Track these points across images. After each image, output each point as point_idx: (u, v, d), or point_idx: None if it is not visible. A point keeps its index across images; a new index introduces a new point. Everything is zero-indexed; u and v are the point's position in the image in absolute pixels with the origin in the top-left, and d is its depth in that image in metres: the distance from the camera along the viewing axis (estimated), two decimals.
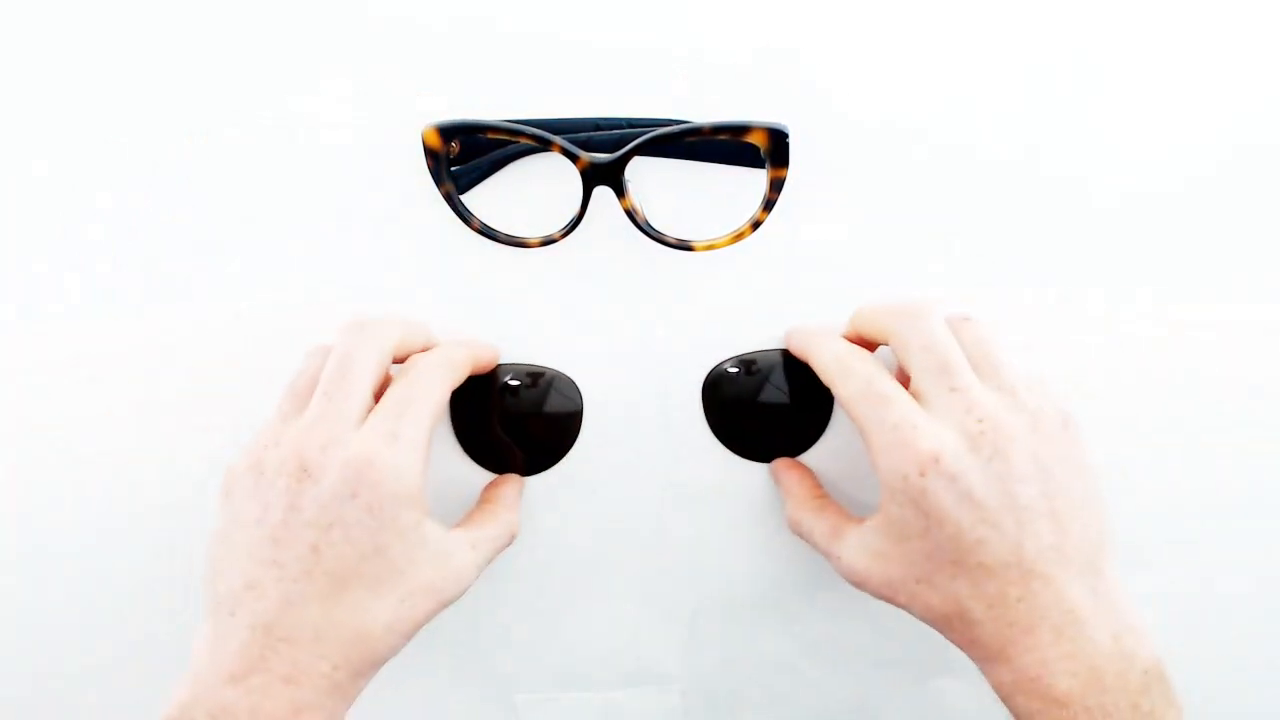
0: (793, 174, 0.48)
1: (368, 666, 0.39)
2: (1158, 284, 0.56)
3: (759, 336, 0.55)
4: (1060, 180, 0.54)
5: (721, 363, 0.55)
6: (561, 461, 0.57)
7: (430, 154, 0.46)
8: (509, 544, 0.50)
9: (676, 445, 0.57)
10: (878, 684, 0.64)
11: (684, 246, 0.49)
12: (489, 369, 0.51)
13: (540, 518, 0.58)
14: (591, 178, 0.46)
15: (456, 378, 0.46)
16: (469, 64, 0.50)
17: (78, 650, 0.59)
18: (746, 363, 0.55)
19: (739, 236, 0.48)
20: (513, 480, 0.54)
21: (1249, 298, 0.57)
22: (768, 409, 0.55)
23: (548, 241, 0.49)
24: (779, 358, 0.55)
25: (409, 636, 0.41)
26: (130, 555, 0.57)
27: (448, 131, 0.45)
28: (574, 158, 0.45)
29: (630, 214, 0.47)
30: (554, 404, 0.54)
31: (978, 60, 0.52)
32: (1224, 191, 0.55)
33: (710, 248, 0.49)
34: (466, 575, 0.44)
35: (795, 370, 0.54)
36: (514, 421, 0.54)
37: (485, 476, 0.57)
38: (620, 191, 0.46)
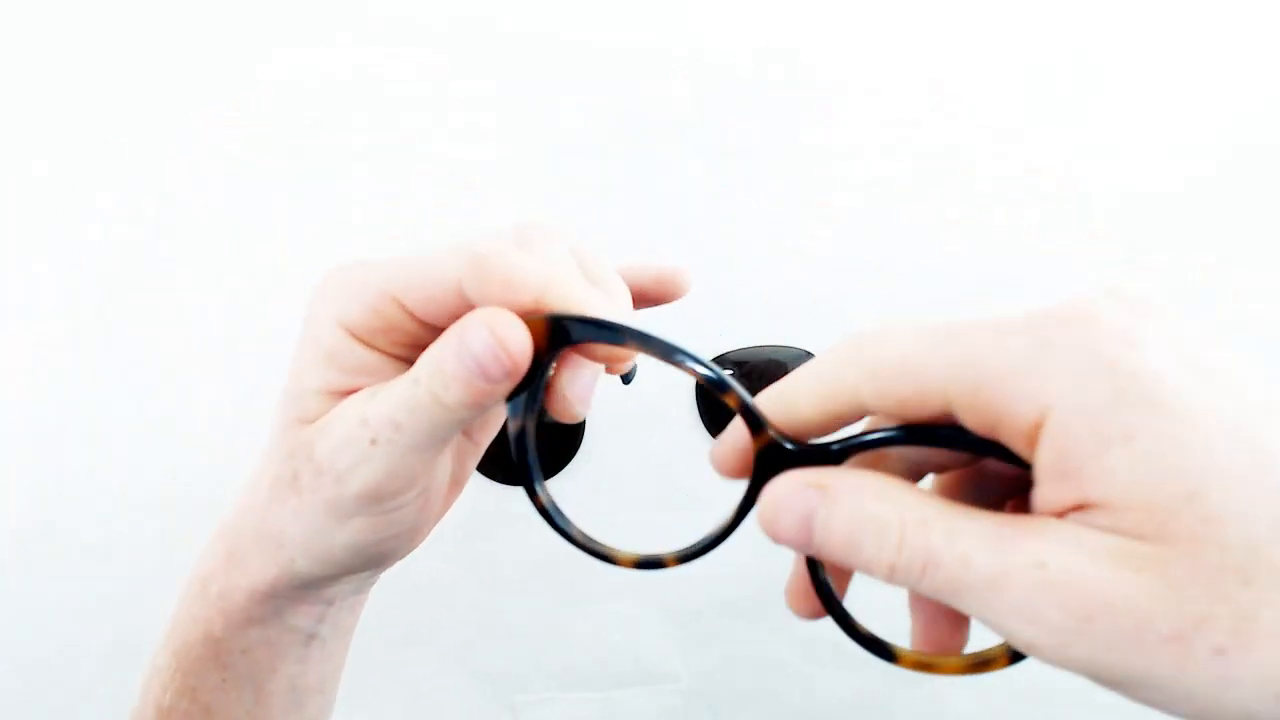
0: (789, 172, 0.48)
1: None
2: (1158, 284, 0.56)
3: (753, 336, 0.55)
4: (1060, 181, 0.54)
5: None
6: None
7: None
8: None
9: (675, 445, 0.57)
10: (878, 684, 0.64)
11: (882, 652, 0.26)
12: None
13: (540, 518, 0.58)
14: (773, 461, 0.25)
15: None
16: (469, 64, 0.50)
17: (76, 645, 0.59)
18: (738, 363, 0.55)
19: (984, 664, 0.24)
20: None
21: (1248, 297, 0.57)
22: None
23: (682, 559, 0.28)
24: (768, 356, 0.55)
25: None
26: (129, 551, 0.57)
27: (566, 330, 0.25)
28: (757, 426, 0.25)
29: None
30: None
31: (978, 60, 0.52)
32: (1224, 191, 0.55)
33: (928, 667, 0.25)
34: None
35: (787, 369, 0.55)
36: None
37: (490, 487, 0.56)
38: None
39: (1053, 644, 0.20)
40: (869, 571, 0.23)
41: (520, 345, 0.25)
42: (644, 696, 0.64)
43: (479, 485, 0.56)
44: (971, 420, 0.22)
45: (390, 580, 0.62)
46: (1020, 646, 0.21)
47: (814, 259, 0.54)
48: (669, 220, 0.54)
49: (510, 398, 0.26)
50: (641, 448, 0.58)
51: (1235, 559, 0.19)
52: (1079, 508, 0.21)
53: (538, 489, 0.28)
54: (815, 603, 0.27)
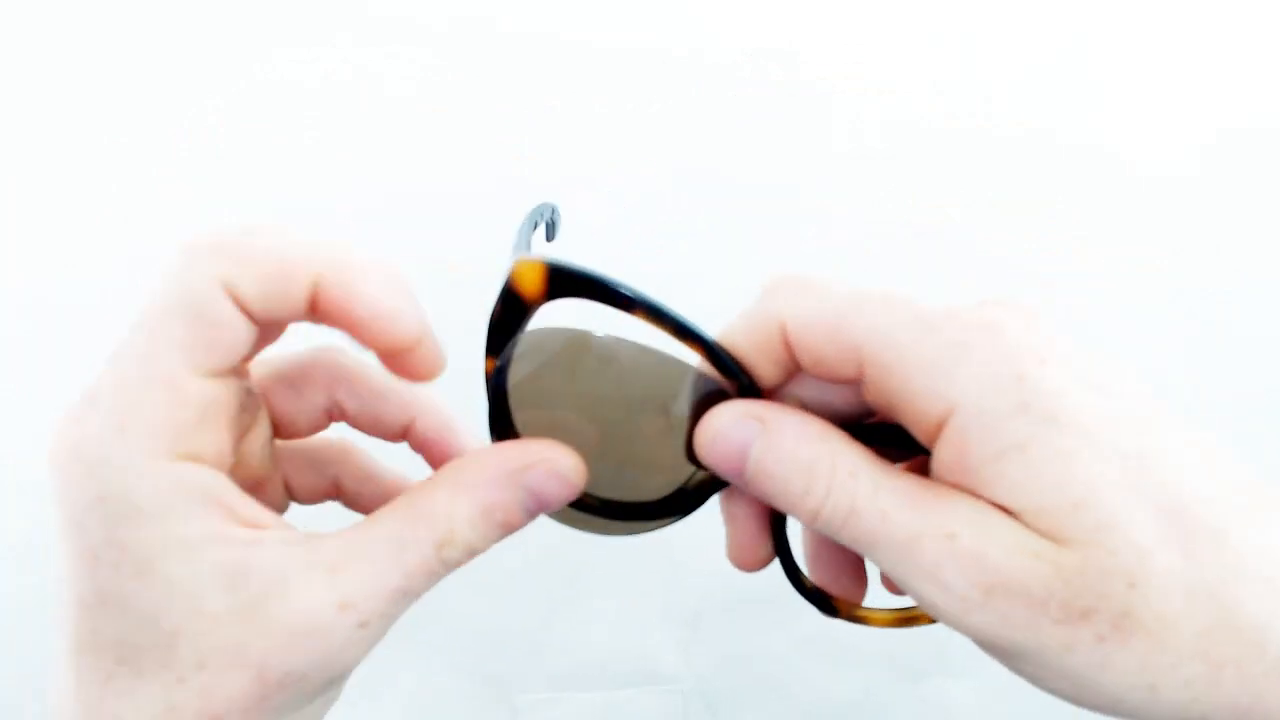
0: (788, 172, 0.48)
1: None
2: (1158, 284, 0.56)
3: None
4: (1061, 181, 0.54)
5: None
6: None
7: (510, 301, 0.24)
8: (447, 560, 0.24)
9: None
10: (878, 683, 0.64)
11: (824, 606, 0.28)
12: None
13: (539, 518, 0.58)
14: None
15: None
16: (469, 64, 0.50)
17: None
18: None
19: (910, 620, 0.27)
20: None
21: (1249, 296, 0.57)
22: None
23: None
24: None
25: None
26: None
27: (564, 282, 0.24)
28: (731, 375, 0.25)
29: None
30: None
31: (978, 61, 0.52)
32: (1224, 191, 0.55)
33: (862, 620, 0.28)
34: (329, 641, 0.22)
35: None
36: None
37: None
38: None
39: (954, 610, 0.22)
40: (794, 511, 0.23)
41: (580, 470, 0.25)
42: (644, 696, 0.64)
43: None
44: (874, 394, 0.23)
45: None
46: (925, 607, 0.22)
47: (814, 259, 0.54)
48: (668, 220, 0.54)
49: (495, 340, 0.25)
50: None
51: (1123, 563, 0.21)
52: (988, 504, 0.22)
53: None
54: (758, 555, 0.28)
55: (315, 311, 0.22)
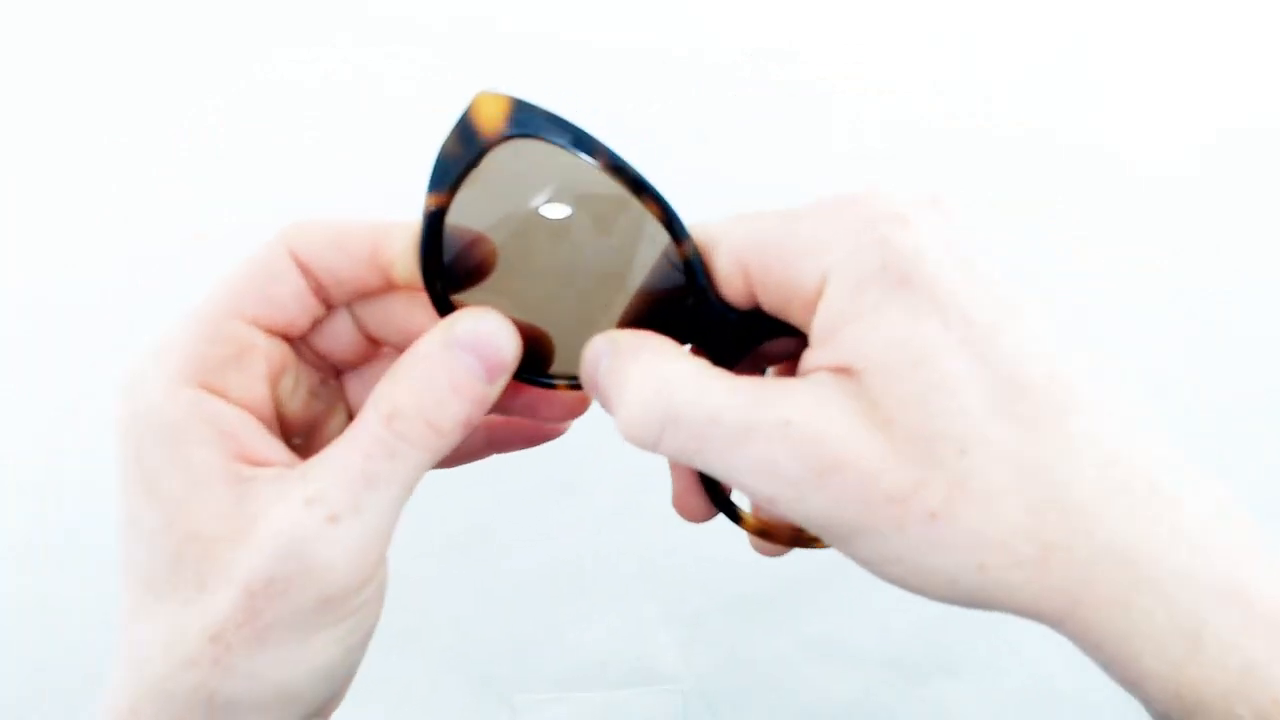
0: (789, 172, 0.48)
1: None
2: (1161, 284, 0.56)
3: None
4: (1064, 181, 0.54)
5: None
6: (562, 460, 0.57)
7: (465, 134, 0.23)
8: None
9: None
10: (878, 683, 0.64)
11: (732, 516, 0.29)
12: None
13: (540, 517, 0.58)
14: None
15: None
16: (469, 64, 0.50)
17: (78, 647, 0.59)
18: None
19: (808, 542, 0.29)
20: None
21: (1252, 296, 0.57)
22: None
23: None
24: None
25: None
26: None
27: (527, 118, 0.24)
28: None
29: None
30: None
31: (979, 61, 0.52)
32: (1227, 193, 0.55)
33: (764, 535, 0.30)
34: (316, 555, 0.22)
35: None
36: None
37: (491, 490, 0.56)
38: None
39: (790, 496, 0.21)
40: (617, 426, 0.23)
41: (511, 329, 0.24)
42: (644, 696, 0.64)
43: (481, 488, 0.56)
44: (767, 298, 0.23)
45: (391, 582, 0.62)
46: (762, 502, 0.22)
47: None
48: None
49: (441, 176, 0.24)
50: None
51: (953, 426, 0.20)
52: (837, 371, 0.22)
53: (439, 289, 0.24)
54: (697, 506, 0.28)
55: (377, 272, 0.24)
